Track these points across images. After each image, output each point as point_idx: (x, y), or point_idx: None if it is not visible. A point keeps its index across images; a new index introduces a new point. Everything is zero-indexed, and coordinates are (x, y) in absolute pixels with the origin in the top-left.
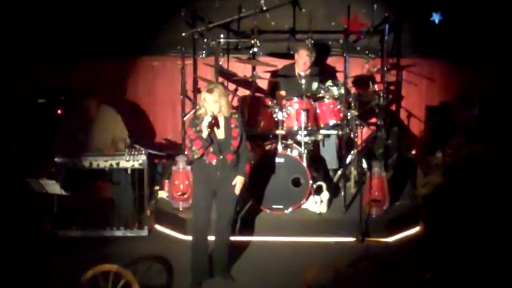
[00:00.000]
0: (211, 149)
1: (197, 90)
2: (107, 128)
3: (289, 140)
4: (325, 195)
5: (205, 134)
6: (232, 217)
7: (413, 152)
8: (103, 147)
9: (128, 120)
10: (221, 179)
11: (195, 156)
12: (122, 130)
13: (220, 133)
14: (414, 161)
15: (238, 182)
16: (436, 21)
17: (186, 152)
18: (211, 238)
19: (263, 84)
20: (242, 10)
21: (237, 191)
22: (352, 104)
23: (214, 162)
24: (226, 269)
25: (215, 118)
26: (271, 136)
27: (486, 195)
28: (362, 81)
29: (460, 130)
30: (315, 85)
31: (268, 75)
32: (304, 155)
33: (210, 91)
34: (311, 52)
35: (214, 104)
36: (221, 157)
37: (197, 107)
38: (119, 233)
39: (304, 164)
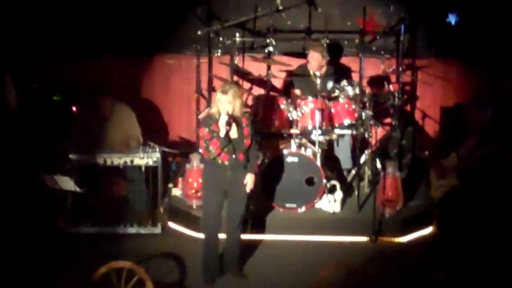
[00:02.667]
0: (225, 149)
1: (211, 89)
2: (121, 127)
3: (303, 139)
4: (339, 194)
5: (222, 133)
6: (243, 216)
7: (426, 152)
8: (116, 145)
9: (143, 118)
10: (232, 179)
11: (212, 157)
12: (136, 129)
13: (233, 133)
14: (428, 162)
15: (250, 180)
16: (452, 22)
17: (201, 151)
18: (222, 236)
19: (278, 83)
20: (258, 9)
21: (248, 189)
22: (367, 104)
23: (226, 162)
24: (238, 267)
25: (231, 116)
26: (285, 135)
27: (501, 196)
28: (377, 81)
29: (474, 132)
30: (330, 84)
31: (283, 74)
32: (318, 154)
33: (225, 92)
34: (324, 53)
35: (228, 105)
36: (233, 156)
37: (210, 106)
38: (132, 230)
39: (318, 163)
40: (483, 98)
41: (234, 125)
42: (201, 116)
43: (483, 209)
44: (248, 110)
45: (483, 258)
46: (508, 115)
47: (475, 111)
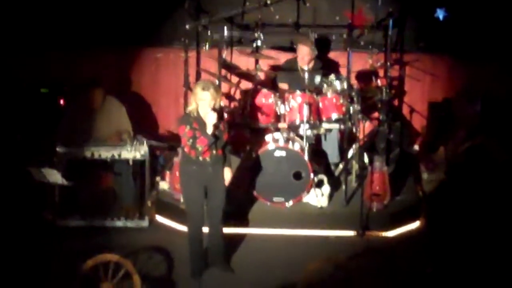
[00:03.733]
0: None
1: None
2: (111, 120)
3: (291, 133)
4: (326, 188)
5: (210, 130)
6: (223, 208)
7: (416, 147)
8: (107, 138)
9: (131, 111)
10: (212, 174)
11: (198, 155)
12: (126, 122)
13: (208, 127)
14: (417, 157)
15: (228, 174)
16: (441, 17)
17: (186, 150)
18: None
19: (265, 77)
20: (246, 3)
21: (227, 182)
22: (355, 98)
23: (208, 158)
24: (224, 260)
25: (218, 113)
26: (273, 129)
27: (487, 189)
28: (365, 76)
29: (463, 125)
30: (318, 79)
31: (272, 68)
32: (306, 149)
33: (206, 88)
34: (312, 47)
35: (211, 101)
36: (214, 152)
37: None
38: (120, 223)
39: (306, 157)
40: (472, 91)
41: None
42: (179, 121)
43: (471, 202)
44: (226, 103)
45: (471, 251)
46: (497, 110)
47: (464, 105)
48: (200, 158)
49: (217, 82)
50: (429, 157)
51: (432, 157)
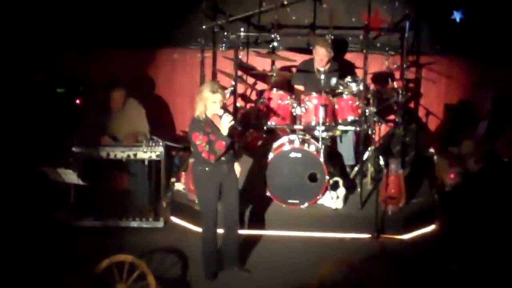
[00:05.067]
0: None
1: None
2: (130, 121)
3: (307, 135)
4: (341, 191)
5: (225, 132)
6: (239, 207)
7: (431, 150)
8: (123, 139)
9: (147, 112)
10: (227, 172)
11: (217, 158)
12: (144, 125)
13: (224, 129)
14: (433, 155)
15: (238, 169)
16: (457, 19)
17: (203, 156)
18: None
19: (281, 78)
20: (263, 4)
21: (238, 175)
22: (371, 100)
23: (223, 158)
24: (240, 260)
25: (232, 115)
26: (288, 130)
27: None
28: (381, 78)
29: (481, 114)
30: (334, 80)
31: (287, 69)
32: (322, 151)
33: (215, 90)
34: (329, 48)
35: (221, 102)
36: (230, 151)
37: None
38: (134, 224)
39: (321, 159)
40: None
41: (219, 120)
42: (190, 128)
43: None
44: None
45: (487, 254)
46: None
47: (481, 93)
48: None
49: (233, 82)
50: (449, 151)
51: (453, 151)
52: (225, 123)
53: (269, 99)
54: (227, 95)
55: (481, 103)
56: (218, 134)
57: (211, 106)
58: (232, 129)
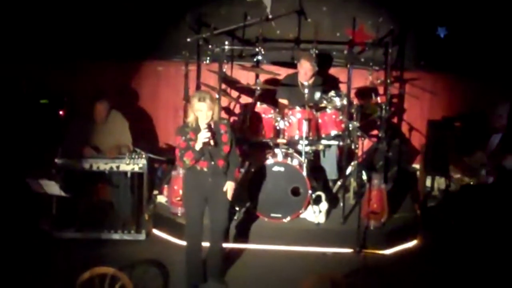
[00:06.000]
0: (201, 158)
1: None
2: (113, 134)
3: (290, 149)
4: (324, 205)
5: (198, 146)
6: (226, 223)
7: (414, 165)
8: (106, 150)
9: (130, 124)
10: (212, 186)
11: (186, 167)
12: (127, 137)
13: (198, 142)
14: (416, 171)
15: (229, 188)
16: (442, 35)
17: (177, 162)
18: (205, 244)
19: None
20: (248, 17)
21: (229, 196)
22: (354, 115)
23: (205, 168)
24: (220, 273)
25: (211, 130)
26: (272, 144)
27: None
28: (365, 93)
29: (495, 127)
30: (317, 95)
31: (271, 83)
32: (304, 165)
33: (203, 99)
34: (313, 62)
35: (208, 112)
36: (212, 163)
37: (188, 115)
38: (116, 236)
39: (304, 173)
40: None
41: (214, 134)
42: (177, 130)
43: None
44: (226, 117)
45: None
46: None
47: (496, 106)
48: (198, 168)
49: (216, 95)
50: (463, 159)
51: (466, 160)
52: (200, 138)
53: (253, 112)
54: (203, 138)
55: (496, 117)
56: (193, 144)
57: (198, 114)
58: (205, 145)
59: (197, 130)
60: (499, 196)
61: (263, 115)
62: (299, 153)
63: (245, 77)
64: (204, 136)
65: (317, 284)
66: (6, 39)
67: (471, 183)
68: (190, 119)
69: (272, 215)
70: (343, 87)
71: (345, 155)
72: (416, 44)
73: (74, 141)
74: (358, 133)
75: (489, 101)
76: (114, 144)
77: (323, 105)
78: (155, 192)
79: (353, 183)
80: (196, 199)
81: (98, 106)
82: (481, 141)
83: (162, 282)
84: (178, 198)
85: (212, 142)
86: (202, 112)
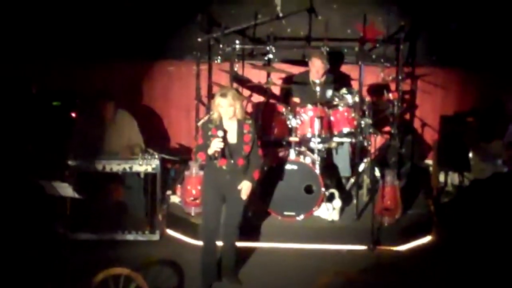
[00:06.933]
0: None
1: (211, 96)
2: (123, 133)
3: (303, 147)
4: (337, 202)
5: (210, 151)
6: (240, 222)
7: (427, 161)
8: (118, 151)
9: (142, 124)
10: (230, 184)
11: (198, 162)
12: (138, 136)
13: (232, 138)
14: (429, 166)
15: (245, 187)
16: (453, 27)
17: (191, 155)
18: (218, 243)
19: (278, 90)
20: (258, 16)
21: (244, 196)
22: (366, 112)
23: (224, 166)
24: (233, 272)
25: (224, 143)
26: (284, 142)
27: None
28: (376, 90)
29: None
30: (329, 92)
31: (284, 82)
32: (317, 163)
33: (224, 95)
34: (325, 60)
35: (229, 108)
36: (231, 161)
37: (211, 112)
38: (130, 237)
39: (317, 171)
40: None
41: (235, 130)
42: (200, 123)
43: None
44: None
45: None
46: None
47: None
48: (217, 165)
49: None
50: (481, 146)
51: (485, 147)
52: (212, 147)
53: (265, 111)
54: (214, 148)
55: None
56: (209, 142)
57: (219, 109)
58: (215, 153)
59: (219, 127)
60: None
61: (275, 114)
62: (312, 151)
63: (257, 76)
64: (216, 145)
65: (332, 282)
66: (16, 41)
67: (486, 171)
68: (215, 115)
69: (286, 213)
70: (354, 84)
71: (358, 152)
72: (427, 39)
73: (80, 143)
74: (371, 130)
75: (501, 95)
76: (126, 144)
77: (335, 102)
78: (169, 192)
79: (366, 180)
80: (214, 196)
81: (103, 106)
82: (500, 129)
83: (176, 282)
84: (192, 198)
85: (235, 133)
86: (222, 108)
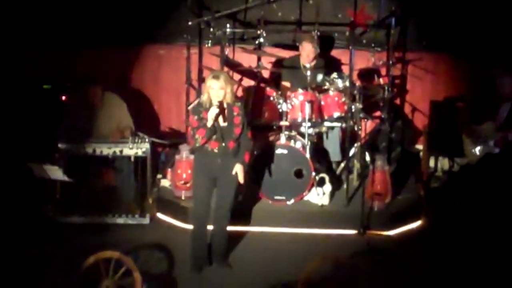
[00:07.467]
0: (213, 137)
1: (202, 79)
2: (112, 116)
3: (293, 131)
4: (328, 187)
5: (210, 123)
6: (231, 205)
7: (418, 147)
8: (109, 134)
9: (132, 108)
10: (222, 167)
11: (197, 145)
12: (127, 118)
13: (223, 122)
14: (419, 151)
15: (239, 170)
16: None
17: (188, 140)
18: (210, 227)
19: (268, 74)
20: (249, 0)
21: (241, 179)
22: (357, 97)
23: (216, 149)
24: (224, 255)
25: (221, 107)
26: (275, 127)
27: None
28: (367, 74)
29: (504, 97)
30: (320, 77)
31: (274, 66)
32: (308, 147)
33: (216, 77)
34: (315, 44)
35: (219, 90)
36: (223, 144)
37: (201, 95)
38: (121, 220)
39: (307, 155)
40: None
41: (224, 113)
42: (191, 107)
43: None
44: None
45: (474, 250)
46: None
47: (504, 75)
48: (209, 149)
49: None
50: (473, 128)
51: (476, 129)
52: (210, 114)
53: (256, 95)
54: (213, 113)
55: (504, 87)
56: (205, 122)
57: (210, 91)
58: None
59: (208, 109)
60: (502, 169)
61: (265, 98)
62: (302, 135)
63: (247, 60)
64: (214, 112)
65: (321, 266)
66: (6, 25)
67: (478, 153)
68: (204, 98)
69: (276, 197)
70: (345, 69)
71: (348, 137)
72: (418, 24)
73: (70, 127)
74: (361, 115)
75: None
76: (115, 127)
77: (325, 87)
78: (159, 176)
79: (356, 165)
80: (205, 180)
81: (89, 90)
82: (491, 111)
83: (166, 266)
84: (182, 182)
85: (221, 119)
86: (213, 90)
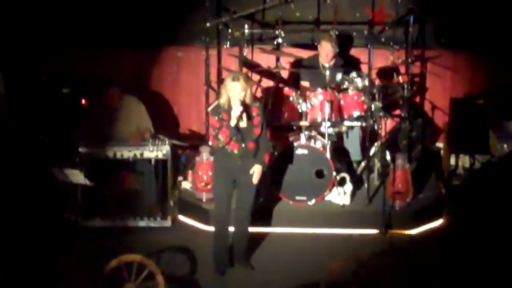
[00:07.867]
0: (234, 138)
1: (221, 81)
2: (131, 118)
3: (313, 131)
4: (349, 187)
5: (233, 123)
6: (252, 206)
7: (438, 144)
8: (129, 137)
9: (152, 111)
10: (241, 168)
11: (220, 145)
12: (146, 120)
13: (243, 122)
14: (440, 149)
15: (256, 171)
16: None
17: (210, 142)
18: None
19: (287, 75)
20: (267, 0)
21: (255, 180)
22: (376, 95)
23: (236, 151)
24: (245, 257)
25: (244, 107)
26: (294, 127)
27: None
28: (386, 73)
29: None
30: (339, 76)
31: (293, 66)
32: (328, 147)
33: (236, 79)
34: (334, 44)
35: (241, 92)
36: (243, 145)
37: (219, 96)
38: (142, 223)
39: (328, 155)
40: None
41: (247, 112)
42: (210, 108)
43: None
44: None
45: (496, 248)
46: None
47: None
48: (229, 150)
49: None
50: (501, 123)
51: (505, 124)
52: (232, 114)
53: (275, 95)
54: (237, 112)
55: None
56: (227, 123)
57: (230, 94)
58: (238, 121)
59: (229, 111)
60: None
61: (284, 98)
62: (322, 135)
63: (266, 60)
64: (237, 110)
65: (343, 266)
66: (25, 28)
67: (504, 150)
68: (223, 100)
69: (297, 198)
70: (364, 68)
71: (368, 136)
72: (437, 22)
73: (89, 130)
74: (381, 114)
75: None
76: (135, 130)
77: (344, 86)
78: (180, 178)
79: (377, 164)
80: (225, 181)
81: (109, 92)
82: None
83: (189, 268)
84: (203, 184)
85: (245, 117)
86: (235, 92)
